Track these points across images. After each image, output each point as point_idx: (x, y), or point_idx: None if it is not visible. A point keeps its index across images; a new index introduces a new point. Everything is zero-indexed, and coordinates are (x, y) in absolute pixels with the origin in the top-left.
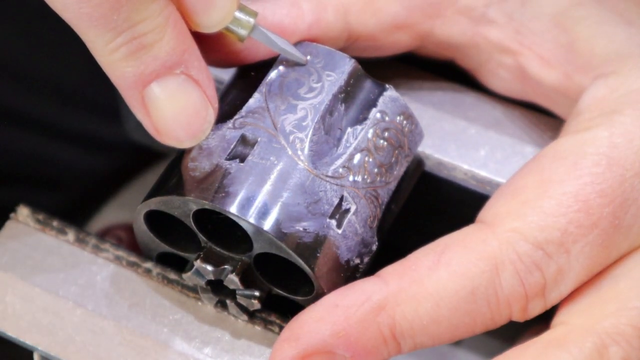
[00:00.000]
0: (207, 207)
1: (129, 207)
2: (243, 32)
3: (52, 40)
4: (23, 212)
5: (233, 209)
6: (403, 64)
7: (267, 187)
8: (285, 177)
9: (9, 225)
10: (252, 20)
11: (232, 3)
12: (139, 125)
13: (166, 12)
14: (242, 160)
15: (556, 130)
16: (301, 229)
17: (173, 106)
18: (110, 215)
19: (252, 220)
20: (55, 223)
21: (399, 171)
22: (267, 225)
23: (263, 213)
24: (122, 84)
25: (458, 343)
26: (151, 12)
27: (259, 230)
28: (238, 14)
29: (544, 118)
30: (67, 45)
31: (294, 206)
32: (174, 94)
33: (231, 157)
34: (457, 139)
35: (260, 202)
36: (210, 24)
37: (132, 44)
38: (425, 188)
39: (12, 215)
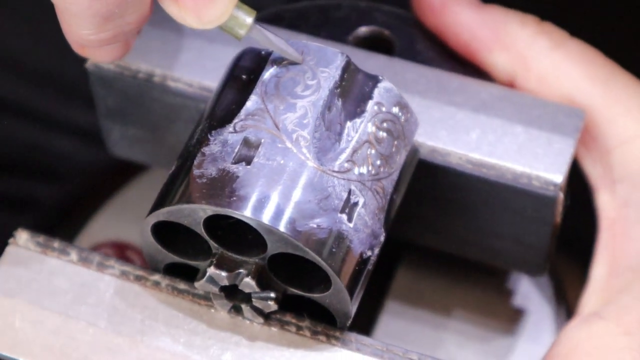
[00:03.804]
0: (219, 212)
1: (128, 208)
2: (241, 31)
3: (53, 32)
4: (22, 236)
5: (247, 212)
6: (384, 55)
7: (278, 187)
8: (293, 175)
9: (9, 250)
10: (249, 19)
11: (230, 1)
12: (119, 141)
13: None
14: (249, 162)
15: (542, 108)
16: (315, 225)
17: None
18: (111, 214)
19: (266, 221)
20: (56, 244)
21: (399, 161)
22: (282, 225)
23: (277, 213)
24: None
25: (451, 335)
26: None
27: (273, 230)
28: (236, 12)
29: (529, 97)
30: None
31: (306, 204)
32: None
33: (237, 161)
34: (447, 125)
35: (273, 203)
36: (206, 21)
37: None
38: (421, 176)
39: (10, 240)
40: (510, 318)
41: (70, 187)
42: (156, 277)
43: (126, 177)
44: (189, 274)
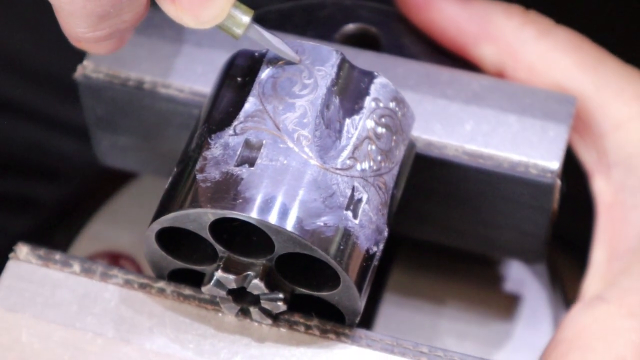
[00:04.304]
0: (226, 215)
1: (119, 216)
2: (238, 30)
3: (53, 32)
4: (23, 250)
5: (254, 213)
6: (372, 52)
7: (283, 187)
8: (297, 175)
9: (11, 265)
10: (247, 18)
11: (227, 1)
12: (110, 150)
13: None
14: (252, 164)
15: (533, 96)
16: (322, 224)
17: None
18: (102, 223)
19: (274, 222)
20: (58, 256)
21: (398, 156)
22: (290, 225)
23: (283, 213)
24: None
25: (450, 324)
26: None
27: (281, 231)
28: (234, 12)
29: (519, 86)
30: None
31: (312, 202)
32: None
33: (240, 163)
34: (441, 118)
35: (279, 203)
36: (204, 20)
37: None
38: (418, 170)
39: (11, 254)
40: (506, 305)
41: (70, 187)
42: (161, 284)
43: (117, 184)
44: (193, 279)
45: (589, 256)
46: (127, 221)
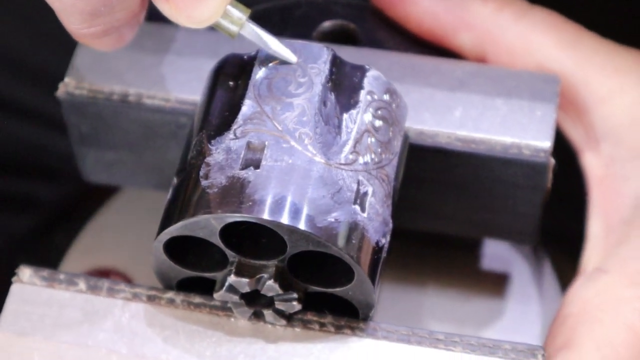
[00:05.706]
0: (237, 219)
1: (104, 232)
2: (234, 28)
3: (53, 32)
4: (26, 272)
5: (265, 215)
6: (353, 47)
7: (291, 187)
8: (304, 173)
9: (15, 289)
10: (243, 17)
11: (221, 1)
12: (95, 167)
13: None
14: (257, 166)
15: (517, 78)
16: (333, 220)
17: None
18: (87, 240)
19: (286, 222)
20: (62, 276)
21: (396, 147)
22: (302, 223)
23: (295, 213)
24: None
25: (445, 307)
26: None
27: (294, 230)
28: (230, 10)
29: (502, 70)
30: (68, 37)
31: (321, 199)
32: None
33: (244, 166)
34: (429, 107)
35: (289, 203)
36: (198, 20)
37: None
38: (412, 159)
39: (14, 278)
40: (495, 286)
41: (70, 187)
42: (170, 294)
43: (101, 198)
44: (200, 287)
45: (585, 231)
46: (114, 236)
